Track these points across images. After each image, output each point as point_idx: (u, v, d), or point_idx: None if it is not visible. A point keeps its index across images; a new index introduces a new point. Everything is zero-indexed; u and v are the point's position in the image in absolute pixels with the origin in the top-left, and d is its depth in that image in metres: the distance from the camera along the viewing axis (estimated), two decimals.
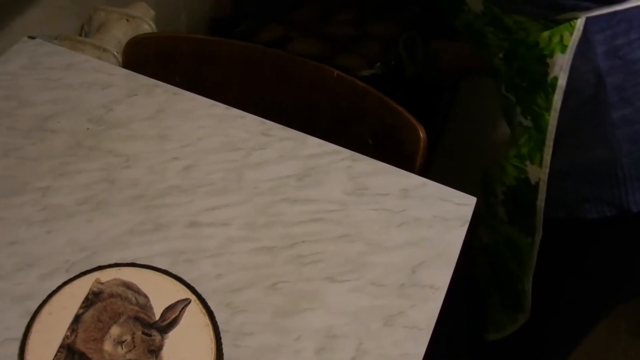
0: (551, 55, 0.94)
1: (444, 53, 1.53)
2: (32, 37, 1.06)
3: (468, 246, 1.18)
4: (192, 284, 0.77)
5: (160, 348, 0.71)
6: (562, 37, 0.93)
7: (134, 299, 0.75)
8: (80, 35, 1.29)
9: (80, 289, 0.75)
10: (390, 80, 1.51)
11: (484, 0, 0.99)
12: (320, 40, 1.63)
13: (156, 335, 0.72)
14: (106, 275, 0.76)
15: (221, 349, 0.72)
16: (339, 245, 0.84)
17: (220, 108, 0.99)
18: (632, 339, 1.91)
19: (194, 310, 0.75)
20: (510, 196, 1.06)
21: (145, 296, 0.75)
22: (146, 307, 0.74)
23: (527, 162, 1.00)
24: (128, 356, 0.70)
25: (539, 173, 0.98)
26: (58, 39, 1.20)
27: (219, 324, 0.74)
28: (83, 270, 0.77)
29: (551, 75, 0.94)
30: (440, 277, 0.82)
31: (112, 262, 0.79)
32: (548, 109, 0.95)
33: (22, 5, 1.13)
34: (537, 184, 0.99)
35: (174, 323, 0.73)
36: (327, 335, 0.76)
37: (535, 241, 1.04)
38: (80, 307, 0.73)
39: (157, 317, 0.74)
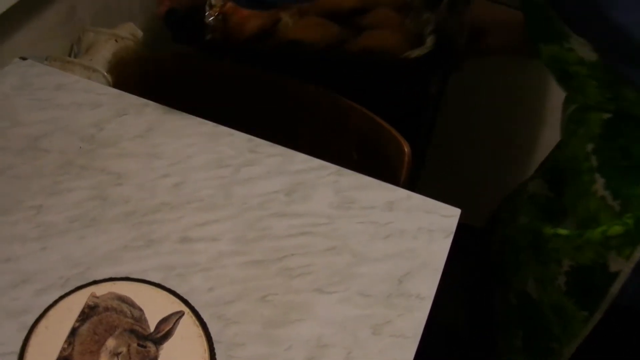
0: None
1: (493, 26, 1.24)
2: (24, 58, 1.08)
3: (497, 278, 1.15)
4: (185, 297, 0.79)
5: (155, 359, 0.73)
6: None
7: (128, 312, 0.77)
8: (69, 55, 1.31)
9: (76, 303, 0.77)
10: (441, 57, 1.20)
11: (601, 57, 0.85)
12: (320, 22, 1.27)
13: (151, 347, 0.74)
14: (101, 290, 0.78)
15: (215, 359, 0.74)
16: (326, 257, 0.86)
17: (208, 126, 1.02)
18: None
19: (188, 322, 0.77)
20: (579, 274, 0.99)
21: (140, 309, 0.77)
22: (141, 319, 0.76)
23: (613, 253, 0.92)
24: None
25: (624, 265, 0.91)
26: (48, 59, 1.22)
27: (212, 335, 0.76)
28: (78, 285, 0.79)
29: None
30: (426, 287, 0.84)
31: (106, 277, 0.81)
32: None
33: (11, 27, 1.15)
34: (617, 273, 0.92)
35: (168, 335, 0.75)
36: (317, 345, 0.78)
37: (594, 318, 0.98)
38: (77, 321, 0.75)
39: (152, 329, 0.75)
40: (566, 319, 1.01)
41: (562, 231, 1.00)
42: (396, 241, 0.89)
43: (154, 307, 0.77)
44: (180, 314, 0.77)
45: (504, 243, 1.18)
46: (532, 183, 1.13)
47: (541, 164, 1.16)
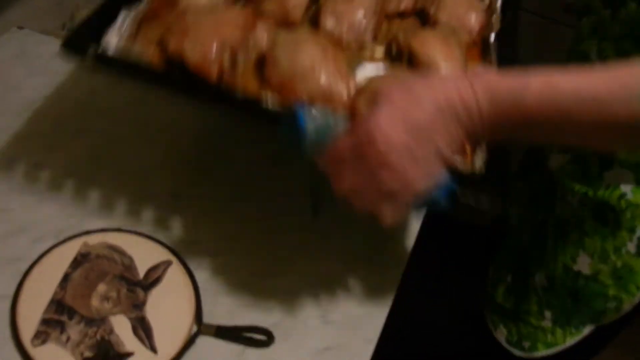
0: None
1: None
2: (21, 28, 1.11)
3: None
4: (174, 248, 0.83)
5: (144, 303, 0.77)
6: None
7: (119, 260, 0.80)
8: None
9: (69, 251, 0.80)
10: None
11: None
12: None
13: (140, 292, 0.78)
14: (93, 239, 0.82)
15: (200, 305, 0.78)
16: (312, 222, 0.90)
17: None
18: None
19: (176, 270, 0.80)
20: None
21: (130, 257, 0.81)
22: (131, 267, 0.80)
23: None
24: (114, 310, 0.76)
25: None
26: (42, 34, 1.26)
27: (198, 283, 0.80)
28: (71, 235, 0.83)
29: None
30: (399, 256, 0.89)
31: (99, 228, 0.84)
32: None
33: (4, 4, 1.18)
34: None
35: (156, 281, 0.79)
36: (298, 295, 0.82)
37: None
38: (69, 267, 0.79)
39: (141, 276, 0.79)
40: (630, 277, 1.02)
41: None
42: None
43: (144, 256, 0.81)
44: (168, 263, 0.81)
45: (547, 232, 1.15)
46: (552, 161, 1.06)
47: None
